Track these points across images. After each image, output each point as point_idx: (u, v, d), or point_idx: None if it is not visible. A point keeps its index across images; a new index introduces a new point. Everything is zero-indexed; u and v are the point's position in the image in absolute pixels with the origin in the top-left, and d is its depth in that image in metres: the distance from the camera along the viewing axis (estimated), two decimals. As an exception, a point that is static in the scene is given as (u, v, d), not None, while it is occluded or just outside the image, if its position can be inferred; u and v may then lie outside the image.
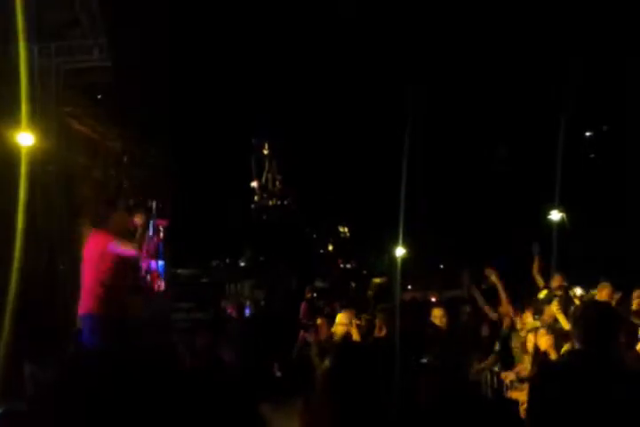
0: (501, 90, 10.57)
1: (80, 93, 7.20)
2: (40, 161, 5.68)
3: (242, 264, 13.78)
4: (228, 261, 13.86)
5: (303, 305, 9.43)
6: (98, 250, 4.61)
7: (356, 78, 9.85)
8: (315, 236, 13.60)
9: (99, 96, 7.63)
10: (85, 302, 4.61)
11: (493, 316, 6.84)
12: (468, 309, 8.06)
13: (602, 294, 4.97)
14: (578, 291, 6.51)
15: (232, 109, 9.50)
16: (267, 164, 11.45)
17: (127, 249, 4.66)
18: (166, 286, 9.68)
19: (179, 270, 11.74)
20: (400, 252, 10.59)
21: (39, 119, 5.43)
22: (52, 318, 5.99)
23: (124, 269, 4.76)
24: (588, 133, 12.29)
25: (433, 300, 10.90)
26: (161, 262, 9.38)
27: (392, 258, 12.52)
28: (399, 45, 9.31)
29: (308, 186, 12.26)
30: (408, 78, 9.32)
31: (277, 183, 11.66)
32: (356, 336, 5.02)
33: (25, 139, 4.78)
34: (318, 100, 10.17)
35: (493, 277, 6.72)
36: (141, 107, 8.03)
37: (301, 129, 11.03)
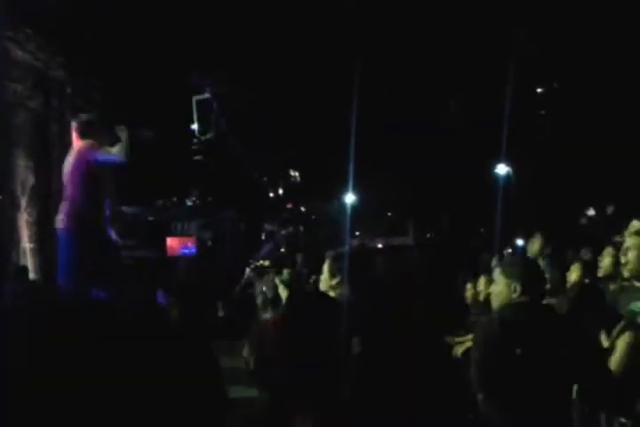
0: (452, 43, 10.50)
1: (23, 18, 6.74)
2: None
3: (189, 204, 13.64)
4: (175, 199, 13.69)
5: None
6: (80, 160, 4.35)
7: (306, 23, 9.57)
8: (265, 179, 13.54)
9: (41, 20, 7.16)
10: (66, 216, 4.36)
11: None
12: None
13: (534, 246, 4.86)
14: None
15: (176, 47, 9.14)
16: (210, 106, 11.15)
17: (110, 155, 4.45)
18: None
19: (123, 208, 11.51)
20: (350, 198, 10.70)
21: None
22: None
23: (108, 178, 4.53)
24: (539, 90, 12.41)
25: (379, 246, 11.15)
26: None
27: (341, 204, 12.62)
28: None
29: (256, 128, 12.04)
30: (359, 28, 9.17)
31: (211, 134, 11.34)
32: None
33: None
34: (266, 41, 9.84)
35: None
36: (87, 36, 7.62)
37: (249, 69, 10.72)
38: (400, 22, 9.93)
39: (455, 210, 13.67)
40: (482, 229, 11.66)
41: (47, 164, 7.22)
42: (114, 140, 4.53)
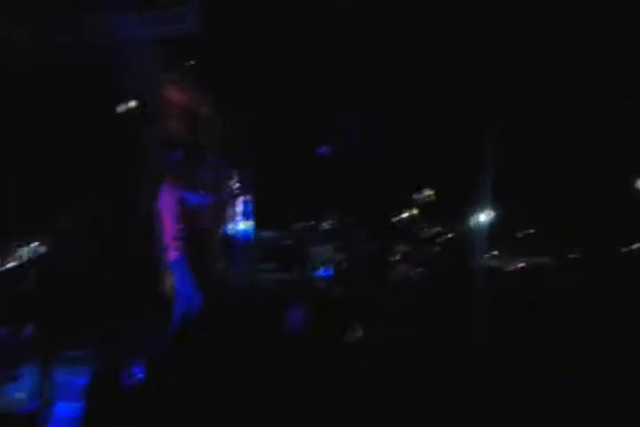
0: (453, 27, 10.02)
1: (174, 61, 7.45)
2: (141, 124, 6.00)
3: (323, 228, 14.03)
4: (309, 224, 14.13)
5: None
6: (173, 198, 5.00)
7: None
8: (397, 199, 13.65)
9: (191, 63, 7.88)
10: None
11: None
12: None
13: None
14: None
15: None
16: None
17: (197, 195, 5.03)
18: (250, 247, 10.03)
19: (262, 232, 12.08)
20: (483, 216, 10.48)
21: (143, 87, 5.72)
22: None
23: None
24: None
25: (521, 266, 10.77)
26: (250, 224, 9.70)
27: (476, 222, 12.37)
28: None
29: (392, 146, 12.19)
30: None
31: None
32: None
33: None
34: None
35: None
36: (229, 73, 8.24)
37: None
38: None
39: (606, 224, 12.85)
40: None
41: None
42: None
